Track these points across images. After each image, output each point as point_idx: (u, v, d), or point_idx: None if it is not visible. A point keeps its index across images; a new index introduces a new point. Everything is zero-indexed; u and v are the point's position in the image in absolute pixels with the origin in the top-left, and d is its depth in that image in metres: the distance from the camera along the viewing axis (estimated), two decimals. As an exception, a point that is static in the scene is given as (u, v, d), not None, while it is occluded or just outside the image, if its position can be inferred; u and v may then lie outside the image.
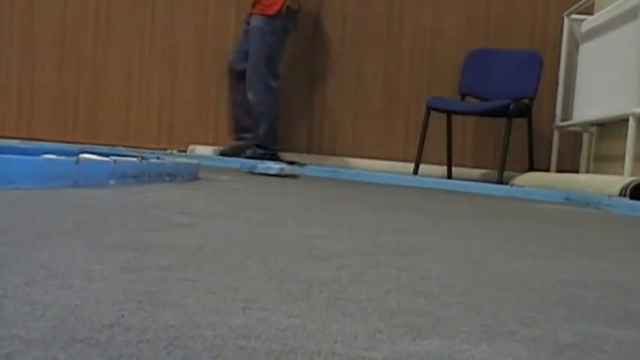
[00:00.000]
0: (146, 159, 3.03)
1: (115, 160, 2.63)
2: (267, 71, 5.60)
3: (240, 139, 5.83)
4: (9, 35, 6.38)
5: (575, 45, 5.71)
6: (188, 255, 1.22)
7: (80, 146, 4.54)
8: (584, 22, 5.58)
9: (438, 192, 4.25)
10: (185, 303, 0.86)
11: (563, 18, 5.76)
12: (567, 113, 5.68)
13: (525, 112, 5.45)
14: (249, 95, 5.60)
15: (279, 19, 5.57)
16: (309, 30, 6.11)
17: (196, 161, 3.58)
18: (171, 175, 3.03)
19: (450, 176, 5.71)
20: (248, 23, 5.70)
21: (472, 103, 5.72)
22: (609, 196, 3.76)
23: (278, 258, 1.27)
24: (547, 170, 5.65)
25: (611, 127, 5.07)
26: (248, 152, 5.67)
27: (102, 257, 1.13)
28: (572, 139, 5.85)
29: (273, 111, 5.67)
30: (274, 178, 4.19)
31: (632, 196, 3.71)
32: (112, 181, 2.55)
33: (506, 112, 5.31)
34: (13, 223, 1.46)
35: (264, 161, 4.91)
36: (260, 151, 5.65)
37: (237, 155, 5.58)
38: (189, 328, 0.74)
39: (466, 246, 1.75)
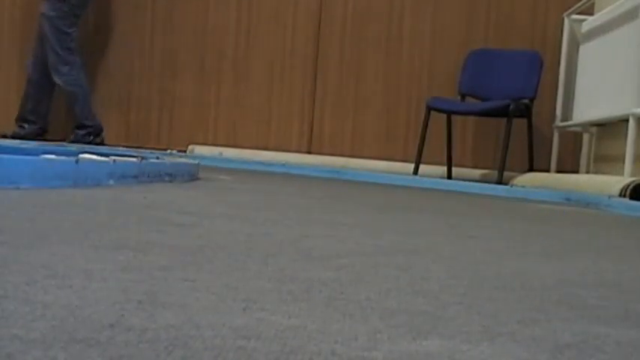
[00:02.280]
0: (146, 159, 3.03)
1: (114, 160, 2.63)
2: (64, 52, 5.71)
3: (21, 126, 5.89)
4: (8, 34, 6.38)
5: (575, 45, 5.71)
6: (188, 255, 1.22)
7: (80, 146, 4.54)
8: (585, 23, 5.58)
9: (437, 192, 4.25)
10: (185, 303, 0.86)
11: (563, 18, 5.76)
12: (567, 113, 5.68)
13: (525, 112, 5.45)
14: (55, 79, 5.72)
15: (65, 3, 5.66)
16: (310, 29, 6.11)
17: (196, 161, 3.58)
18: (170, 175, 3.03)
19: (449, 176, 5.71)
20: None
21: (472, 103, 5.72)
22: (609, 197, 3.76)
23: (278, 258, 1.27)
24: (547, 170, 5.65)
25: (611, 128, 5.07)
26: (72, 137, 5.77)
27: (102, 257, 1.13)
28: (572, 139, 5.85)
29: (82, 87, 5.78)
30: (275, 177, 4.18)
31: (632, 197, 3.71)
32: (111, 181, 2.55)
33: (506, 112, 5.31)
34: (13, 223, 1.46)
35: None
36: (81, 132, 5.76)
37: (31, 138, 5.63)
38: (190, 328, 0.74)
39: (466, 246, 1.75)
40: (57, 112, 6.03)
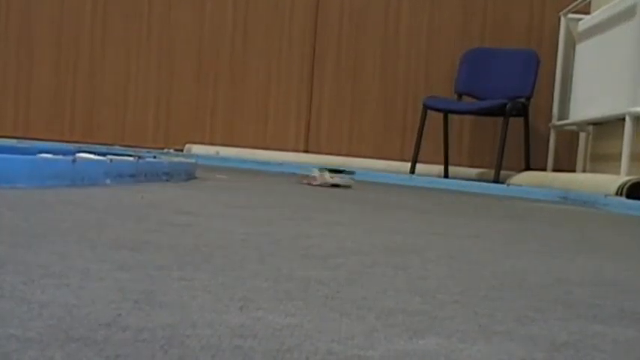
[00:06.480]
0: (143, 158, 3.03)
1: (111, 160, 2.63)
2: None
3: None
4: (5, 34, 6.37)
5: (571, 44, 5.72)
6: (185, 254, 1.22)
7: (77, 145, 4.54)
8: (581, 22, 5.59)
9: (434, 191, 4.25)
10: (182, 302, 0.86)
11: (559, 17, 5.77)
12: (564, 112, 5.69)
13: (522, 111, 5.45)
14: None
15: None
16: (307, 28, 6.11)
17: (193, 160, 3.58)
18: (167, 175, 3.02)
19: (446, 175, 5.71)
20: None
21: (469, 102, 5.72)
22: (606, 196, 3.76)
23: (275, 257, 1.27)
24: (544, 169, 5.66)
25: (608, 127, 5.08)
26: None
27: (99, 256, 1.13)
28: (569, 138, 5.86)
29: None
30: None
31: (629, 196, 3.72)
32: (108, 181, 2.55)
33: (502, 111, 5.31)
34: (10, 222, 1.46)
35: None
36: None
37: None
38: (186, 327, 0.74)
39: (463, 245, 1.75)
40: None
